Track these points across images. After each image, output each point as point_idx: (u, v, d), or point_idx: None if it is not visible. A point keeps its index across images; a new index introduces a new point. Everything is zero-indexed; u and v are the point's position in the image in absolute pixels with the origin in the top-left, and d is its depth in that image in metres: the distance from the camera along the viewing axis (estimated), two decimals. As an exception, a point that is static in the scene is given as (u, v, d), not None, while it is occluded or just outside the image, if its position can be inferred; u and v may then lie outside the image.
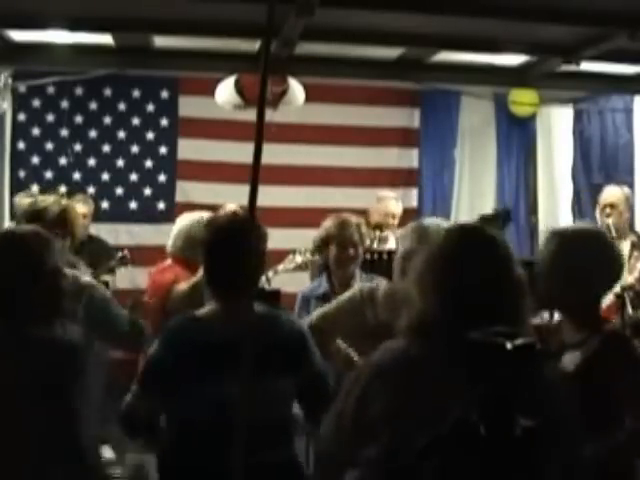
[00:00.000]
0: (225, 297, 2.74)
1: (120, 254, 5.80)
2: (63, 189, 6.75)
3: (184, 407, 2.65)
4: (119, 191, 7.28)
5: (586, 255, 2.53)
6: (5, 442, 2.30)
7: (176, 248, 4.60)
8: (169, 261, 4.68)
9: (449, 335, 1.89)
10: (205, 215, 4.15)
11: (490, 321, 1.81)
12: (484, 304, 1.97)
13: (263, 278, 4.93)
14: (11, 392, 2.33)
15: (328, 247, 4.10)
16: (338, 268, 4.07)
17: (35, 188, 6.71)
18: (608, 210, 5.14)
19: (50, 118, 7.15)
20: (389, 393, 1.94)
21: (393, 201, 6.02)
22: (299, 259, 5.91)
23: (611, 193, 5.28)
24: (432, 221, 3.47)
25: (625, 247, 5.02)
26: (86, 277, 3.44)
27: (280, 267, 5.85)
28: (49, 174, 7.12)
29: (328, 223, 4.15)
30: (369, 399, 1.98)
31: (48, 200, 3.55)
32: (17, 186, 6.97)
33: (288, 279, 5.95)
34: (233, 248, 2.65)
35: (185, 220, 4.69)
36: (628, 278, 4.45)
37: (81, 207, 5.57)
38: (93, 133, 7.23)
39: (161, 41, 5.50)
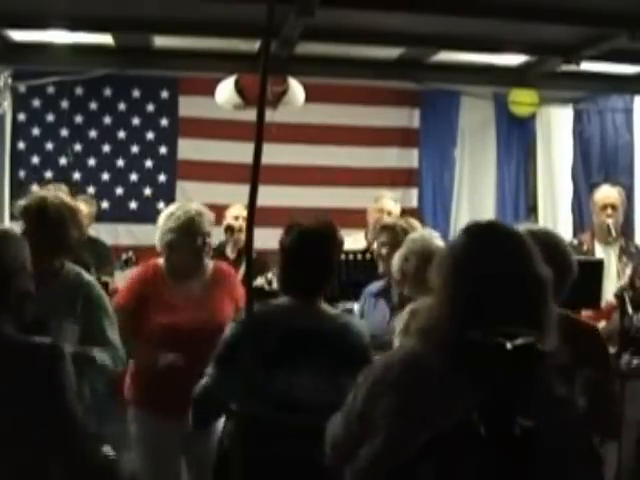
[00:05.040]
0: (299, 297, 2.88)
1: (125, 256, 5.75)
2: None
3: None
4: (119, 191, 7.29)
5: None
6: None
7: None
8: None
9: (457, 338, 1.83)
10: (172, 208, 4.08)
11: (505, 326, 1.76)
12: (497, 308, 1.86)
13: (263, 279, 4.92)
14: None
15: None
16: None
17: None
18: (610, 211, 5.09)
19: (50, 118, 7.16)
20: (392, 393, 1.93)
21: (389, 199, 5.98)
22: None
23: (611, 193, 5.25)
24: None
25: (614, 250, 5.02)
26: (88, 275, 3.47)
27: None
28: (49, 174, 7.13)
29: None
30: (375, 397, 1.97)
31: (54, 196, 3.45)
32: (17, 186, 6.98)
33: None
34: (314, 255, 2.84)
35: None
36: (620, 283, 4.44)
37: (84, 207, 5.55)
38: (93, 133, 7.24)
39: (161, 41, 5.49)
